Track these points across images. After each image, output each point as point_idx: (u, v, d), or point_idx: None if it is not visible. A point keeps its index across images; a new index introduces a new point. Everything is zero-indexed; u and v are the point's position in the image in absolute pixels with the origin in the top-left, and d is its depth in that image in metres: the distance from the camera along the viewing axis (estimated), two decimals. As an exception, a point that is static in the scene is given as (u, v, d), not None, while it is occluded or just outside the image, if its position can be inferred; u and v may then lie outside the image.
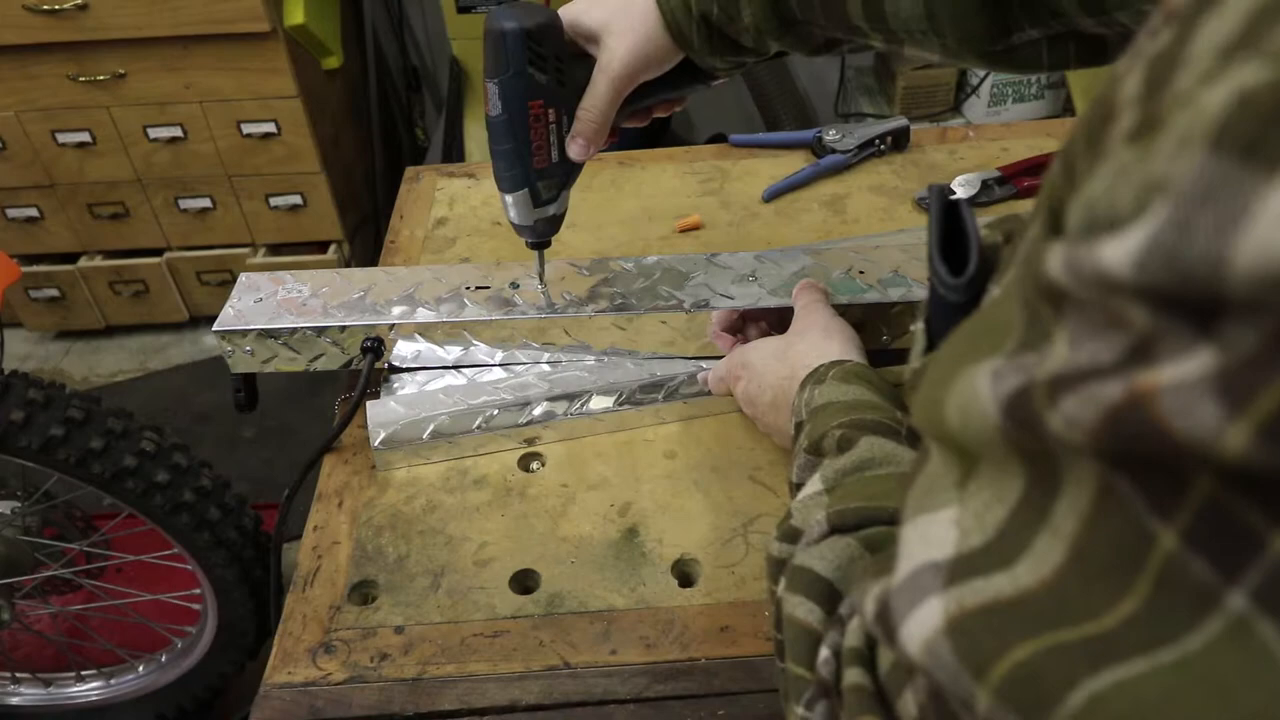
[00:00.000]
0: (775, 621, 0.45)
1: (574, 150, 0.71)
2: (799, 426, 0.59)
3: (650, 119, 0.75)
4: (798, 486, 0.54)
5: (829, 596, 0.43)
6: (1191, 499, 0.21)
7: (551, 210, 0.75)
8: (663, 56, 0.67)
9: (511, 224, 0.76)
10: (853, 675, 0.36)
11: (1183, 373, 0.19)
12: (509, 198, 0.73)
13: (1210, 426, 0.19)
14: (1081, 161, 0.24)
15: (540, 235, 0.77)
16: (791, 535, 0.48)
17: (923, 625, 0.28)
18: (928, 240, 0.43)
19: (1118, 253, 0.20)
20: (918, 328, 0.46)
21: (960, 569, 0.27)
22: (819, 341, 0.68)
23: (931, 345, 0.44)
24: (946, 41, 0.57)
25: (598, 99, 0.68)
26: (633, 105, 0.71)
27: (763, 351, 0.72)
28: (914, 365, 0.45)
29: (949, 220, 0.43)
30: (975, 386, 0.26)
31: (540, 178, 0.72)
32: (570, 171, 0.74)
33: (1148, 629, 0.22)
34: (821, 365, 0.63)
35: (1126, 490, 0.22)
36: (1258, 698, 0.20)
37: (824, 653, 0.39)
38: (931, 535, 0.29)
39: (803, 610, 0.43)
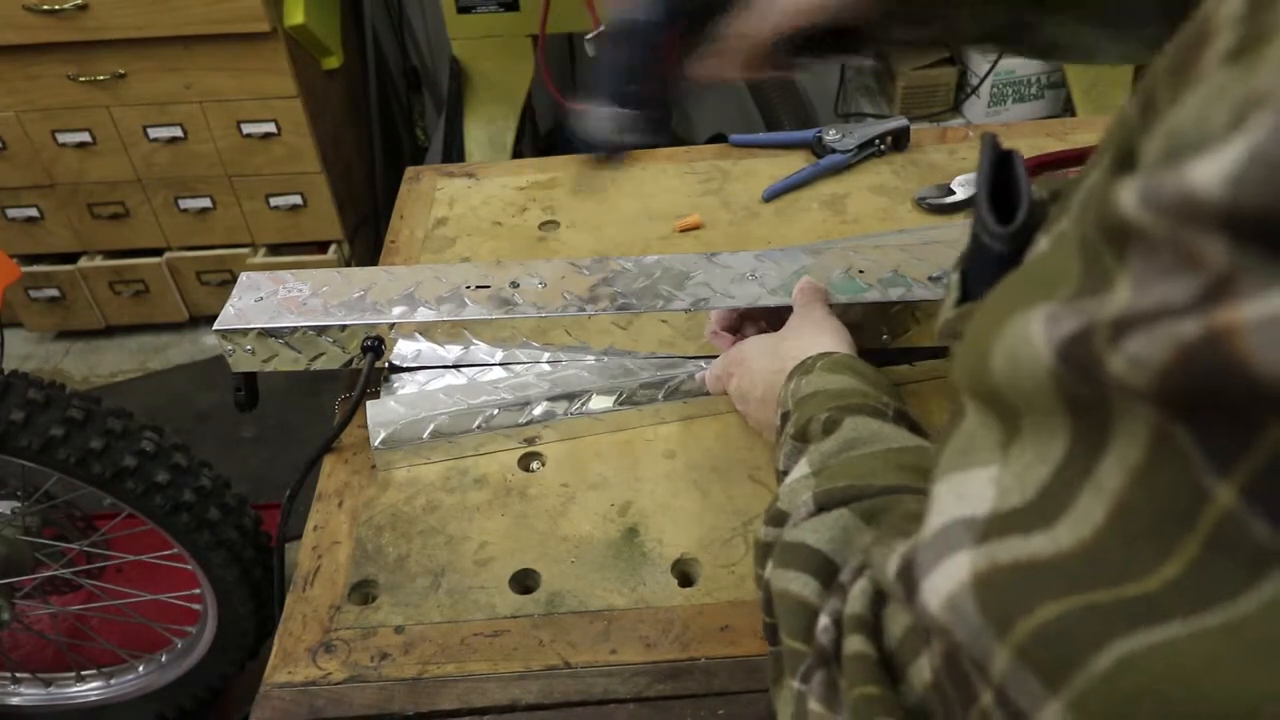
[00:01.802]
0: (765, 605, 0.44)
1: (704, 70, 0.62)
2: (785, 416, 0.59)
3: (766, 76, 0.64)
4: (784, 474, 0.54)
5: (824, 569, 0.42)
6: (1258, 450, 0.20)
7: (640, 138, 0.67)
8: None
9: (584, 137, 0.68)
10: (855, 643, 0.35)
11: (1271, 308, 0.19)
12: (603, 110, 0.65)
13: None
14: (1164, 93, 0.23)
15: (616, 154, 0.69)
16: (778, 518, 0.48)
17: (948, 579, 0.27)
18: (976, 187, 0.43)
19: (1209, 172, 0.19)
20: (952, 278, 0.45)
21: (996, 526, 0.27)
22: (811, 337, 0.68)
23: (966, 296, 0.43)
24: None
25: (758, 26, 0.58)
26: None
27: (755, 348, 0.72)
28: (946, 315, 0.43)
29: (998, 172, 0.43)
30: (1028, 331, 0.25)
31: (648, 103, 0.64)
32: (683, 96, 0.66)
33: (1192, 592, 0.21)
34: (809, 357, 0.62)
35: (1184, 441, 0.21)
36: None
37: (823, 620, 0.38)
38: (968, 492, 0.28)
39: (797, 584, 0.42)
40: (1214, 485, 0.21)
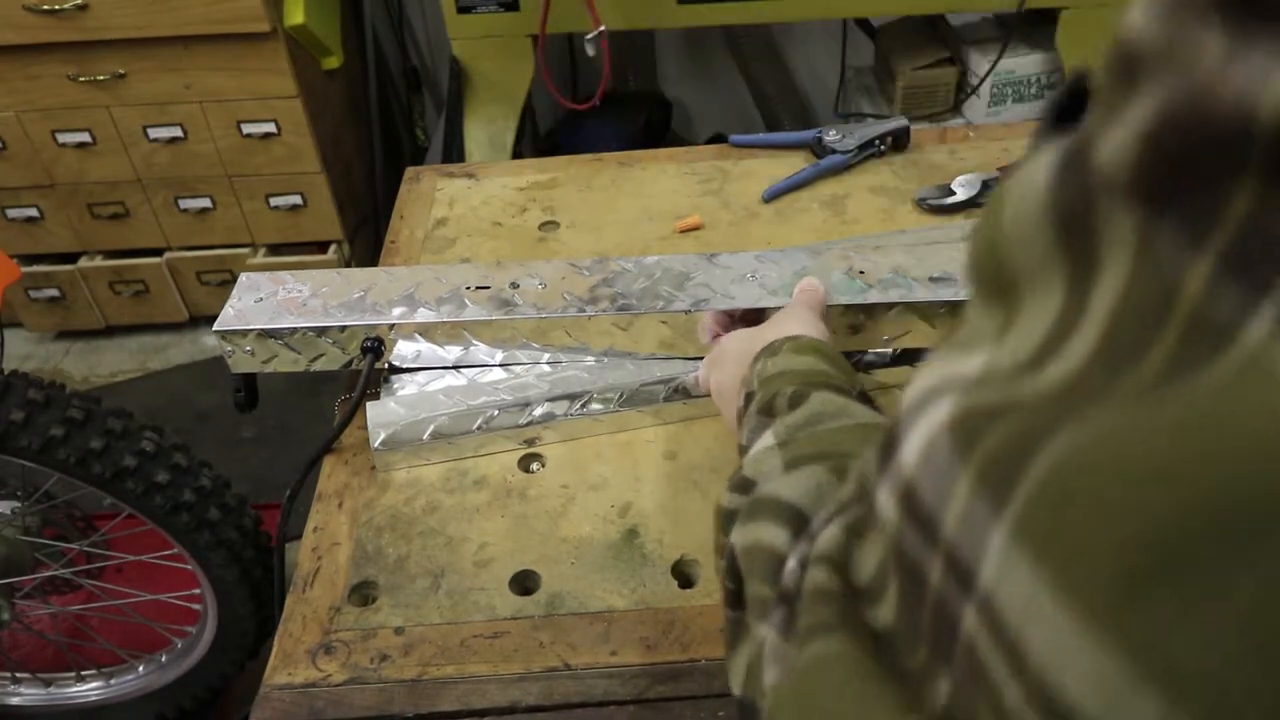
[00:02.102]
0: (728, 568, 0.43)
1: None
2: (749, 396, 0.57)
3: None
4: (746, 449, 0.52)
5: (796, 520, 0.40)
6: (1228, 222, 0.20)
7: None
8: None
9: None
10: (817, 576, 0.34)
11: (1252, 60, 0.19)
12: None
13: (1261, 81, 0.18)
14: None
15: None
16: (744, 485, 0.46)
17: (929, 425, 0.27)
18: (1043, 108, 0.42)
19: None
20: None
21: (984, 380, 0.26)
22: (785, 327, 0.67)
23: None
24: None
25: None
26: None
27: (734, 343, 0.70)
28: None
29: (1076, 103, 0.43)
30: (1035, 169, 0.25)
31: None
32: None
33: (1155, 386, 0.21)
34: (777, 340, 0.61)
35: (1162, 238, 0.21)
36: (1263, 439, 0.19)
37: (790, 564, 0.37)
38: (957, 364, 0.27)
39: (768, 535, 0.40)
40: (1186, 272, 0.21)
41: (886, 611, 0.31)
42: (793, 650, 0.34)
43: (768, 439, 0.49)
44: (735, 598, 0.42)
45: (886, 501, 0.29)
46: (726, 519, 0.46)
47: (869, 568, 0.33)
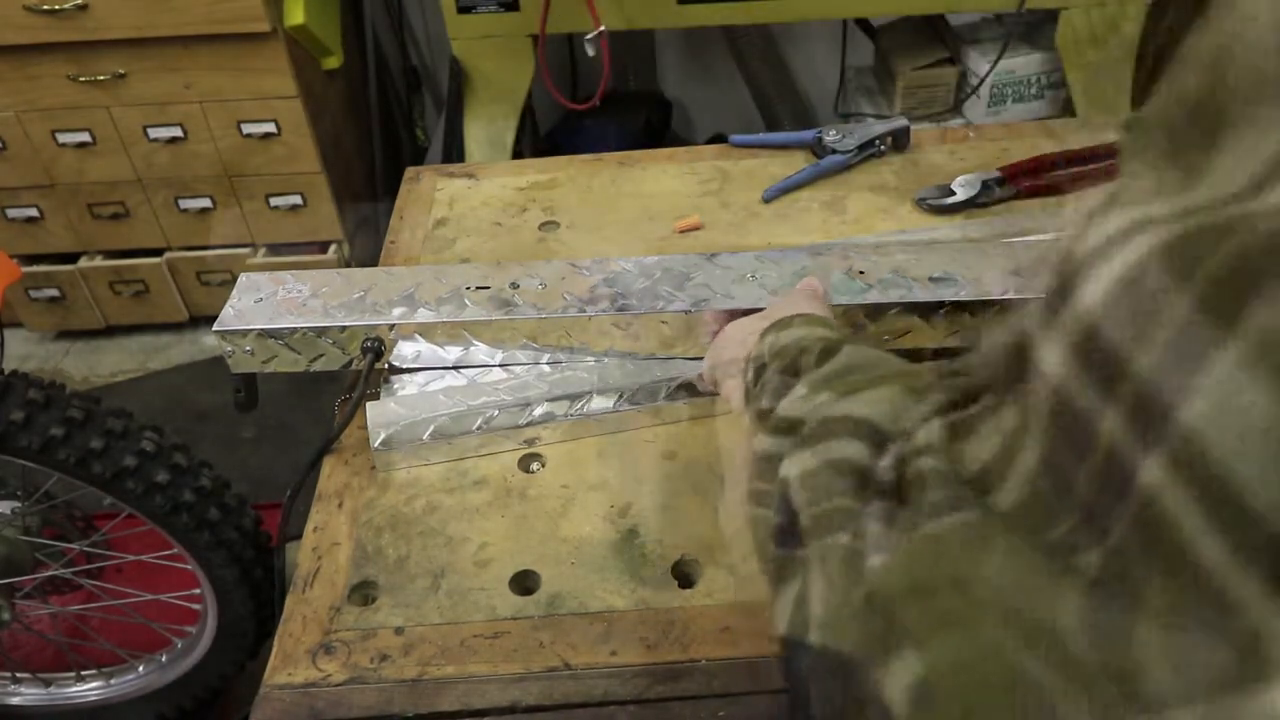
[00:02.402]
0: (779, 505, 0.40)
1: None
2: (760, 369, 0.54)
3: None
4: (770, 411, 0.48)
5: (874, 435, 0.37)
6: None
7: None
8: None
9: None
10: (925, 463, 0.32)
11: None
12: None
13: None
14: None
15: None
16: (789, 426, 0.43)
17: (1127, 259, 0.24)
18: None
19: None
20: None
21: (1192, 211, 0.23)
22: (792, 305, 0.65)
23: None
24: None
25: None
26: None
27: (738, 326, 0.69)
28: None
29: None
30: None
31: None
32: None
33: None
34: (786, 316, 0.59)
35: None
36: None
37: (884, 463, 0.35)
38: (1143, 210, 0.25)
39: (843, 450, 0.37)
40: None
41: (1006, 496, 0.29)
42: (898, 535, 0.32)
43: (800, 390, 0.46)
44: (784, 535, 0.39)
45: (1052, 356, 0.26)
46: (766, 465, 0.43)
47: (982, 456, 0.31)
